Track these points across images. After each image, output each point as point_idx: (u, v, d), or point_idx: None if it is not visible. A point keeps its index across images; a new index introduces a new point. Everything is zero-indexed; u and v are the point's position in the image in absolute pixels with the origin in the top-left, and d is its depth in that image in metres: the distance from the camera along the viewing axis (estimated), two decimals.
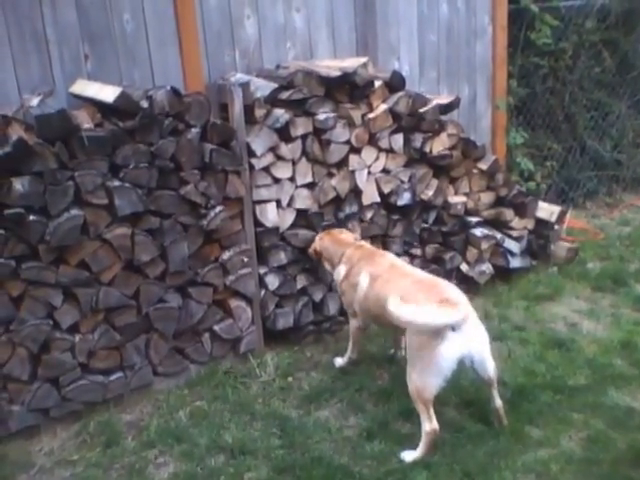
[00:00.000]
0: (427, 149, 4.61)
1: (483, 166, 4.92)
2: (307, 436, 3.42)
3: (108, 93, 3.34)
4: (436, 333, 3.11)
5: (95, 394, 3.52)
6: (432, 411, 3.20)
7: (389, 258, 3.85)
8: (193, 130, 3.63)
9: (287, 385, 3.93)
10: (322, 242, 4.04)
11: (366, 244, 4.03)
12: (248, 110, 3.89)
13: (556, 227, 5.45)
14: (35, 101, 3.36)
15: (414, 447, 3.26)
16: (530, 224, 5.30)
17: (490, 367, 3.31)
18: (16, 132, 3.19)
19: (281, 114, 3.95)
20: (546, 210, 5.33)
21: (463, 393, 3.72)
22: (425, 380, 3.19)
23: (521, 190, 5.20)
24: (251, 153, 3.92)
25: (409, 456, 3.18)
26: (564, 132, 6.77)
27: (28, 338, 3.27)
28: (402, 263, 3.86)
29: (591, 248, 5.87)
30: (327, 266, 4.09)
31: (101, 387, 3.54)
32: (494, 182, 5.01)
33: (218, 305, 3.96)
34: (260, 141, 3.92)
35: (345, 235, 4.09)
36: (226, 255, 3.92)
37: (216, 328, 3.94)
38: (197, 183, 3.67)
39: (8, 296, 3.21)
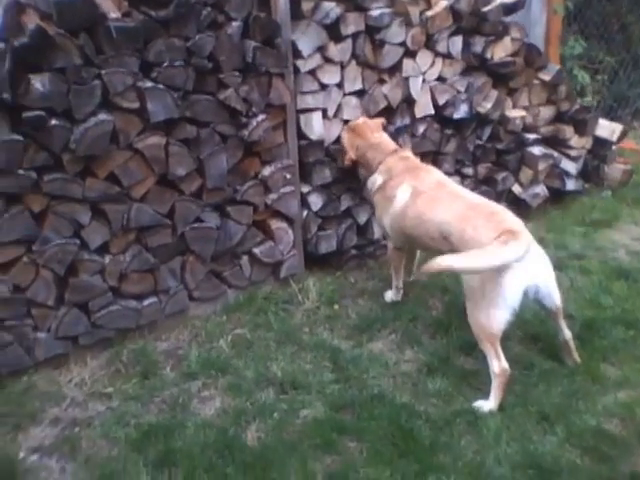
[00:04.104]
0: (488, 55, 4.11)
1: (545, 77, 4.43)
2: (362, 370, 3.12)
3: None
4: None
5: (128, 320, 3.20)
6: (500, 350, 2.89)
7: (436, 174, 3.43)
8: (234, 24, 3.14)
9: (333, 313, 3.61)
10: (357, 149, 3.57)
11: (411, 155, 3.59)
12: (293, 2, 3.37)
13: (614, 147, 5.00)
14: None
15: (480, 385, 2.99)
16: (588, 143, 4.85)
17: (557, 297, 2.99)
18: (32, 20, 2.71)
19: (331, 8, 3.44)
20: (607, 128, 4.87)
21: (527, 327, 3.40)
22: (491, 315, 2.86)
23: (583, 105, 4.71)
24: (296, 53, 3.43)
25: (485, 406, 2.87)
26: (617, 44, 6.18)
27: (53, 259, 2.91)
28: (450, 181, 3.44)
29: None
30: (361, 171, 3.68)
31: (134, 313, 3.21)
32: (556, 95, 4.53)
33: (258, 226, 3.59)
34: (307, 39, 3.43)
35: (381, 136, 3.62)
36: (267, 171, 3.51)
37: (256, 251, 3.59)
38: (238, 87, 3.21)
39: (29, 212, 2.82)
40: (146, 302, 3.25)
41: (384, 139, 3.61)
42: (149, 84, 2.93)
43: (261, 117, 3.33)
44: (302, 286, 3.77)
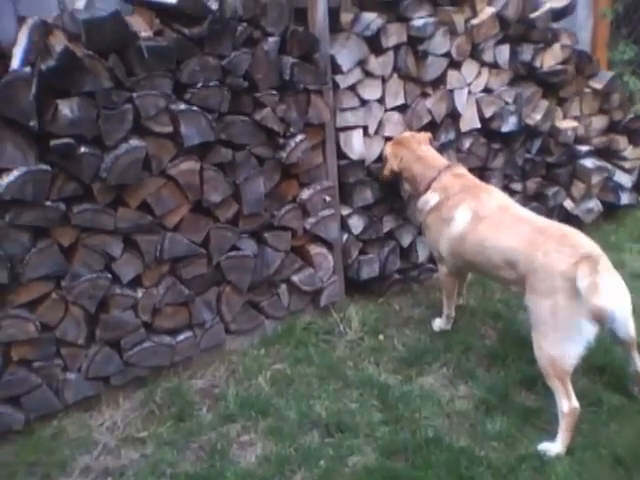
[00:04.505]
0: (537, 63, 3.85)
1: (597, 85, 4.15)
2: (413, 409, 2.88)
3: None
4: (574, 292, 2.53)
5: (162, 357, 3.01)
6: (570, 387, 2.64)
7: (497, 195, 3.18)
8: (270, 39, 2.93)
9: (378, 345, 3.38)
10: (400, 160, 3.34)
11: (466, 172, 3.34)
12: (332, 14, 3.16)
13: None
14: (81, 3, 2.69)
15: (544, 424, 2.75)
16: None
17: (632, 327, 2.73)
18: (59, 42, 2.54)
19: (372, 19, 3.22)
20: None
21: (591, 357, 3.10)
22: (563, 349, 2.62)
23: (638, 114, 4.42)
24: (336, 68, 3.22)
25: (552, 449, 2.61)
26: None
27: (83, 295, 2.73)
28: (512, 202, 3.18)
29: None
30: (406, 187, 3.45)
31: (168, 349, 3.02)
32: (608, 104, 4.24)
33: (296, 252, 3.38)
34: (347, 53, 3.21)
35: (429, 150, 3.39)
36: (306, 194, 3.30)
37: (294, 278, 3.37)
38: (275, 106, 3.01)
39: (58, 246, 2.65)
40: (181, 337, 3.06)
41: (433, 153, 3.38)
42: (182, 106, 2.74)
43: (299, 137, 3.12)
44: (343, 315, 3.55)
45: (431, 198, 3.25)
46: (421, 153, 3.33)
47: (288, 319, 3.43)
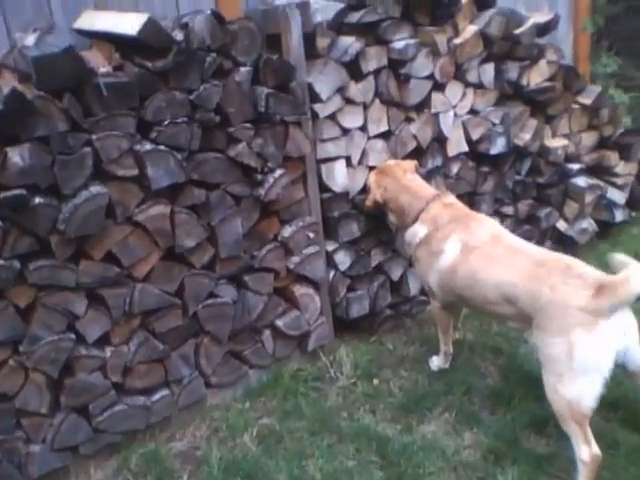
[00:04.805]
0: (524, 81, 3.67)
1: (586, 100, 3.99)
2: (416, 464, 2.63)
3: (129, 23, 2.40)
4: (588, 325, 2.35)
5: (136, 421, 2.74)
6: (590, 432, 2.41)
7: (489, 224, 2.97)
8: (242, 69, 2.71)
9: (373, 390, 3.13)
10: (385, 190, 3.14)
11: (456, 201, 3.13)
12: (307, 40, 2.95)
13: None
14: (30, 39, 2.45)
15: (558, 472, 2.54)
16: (634, 169, 4.39)
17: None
18: (7, 83, 2.29)
19: (350, 43, 3.02)
20: None
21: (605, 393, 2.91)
22: (582, 390, 2.39)
23: (628, 128, 4.26)
24: (314, 97, 3.00)
25: None
26: None
27: (44, 360, 2.45)
28: (506, 232, 2.97)
29: None
30: (392, 219, 3.23)
31: (143, 411, 2.74)
32: (598, 119, 4.08)
33: (280, 294, 3.13)
34: (325, 80, 3.00)
35: (415, 178, 3.18)
36: (287, 231, 3.06)
37: (279, 323, 3.12)
38: (250, 141, 2.78)
39: (14, 307, 2.38)
40: (156, 396, 2.79)
41: (420, 182, 3.17)
42: (148, 146, 2.50)
43: (278, 172, 2.90)
44: (334, 358, 3.31)
45: (419, 230, 3.04)
46: (407, 182, 3.13)
47: (274, 367, 3.18)
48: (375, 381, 3.19)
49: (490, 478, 2.56)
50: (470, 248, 2.82)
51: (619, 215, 4.33)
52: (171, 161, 2.54)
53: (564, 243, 4.19)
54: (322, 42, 2.97)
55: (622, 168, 4.28)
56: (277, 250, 3.04)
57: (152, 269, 2.66)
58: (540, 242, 4.05)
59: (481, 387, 3.09)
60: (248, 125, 2.77)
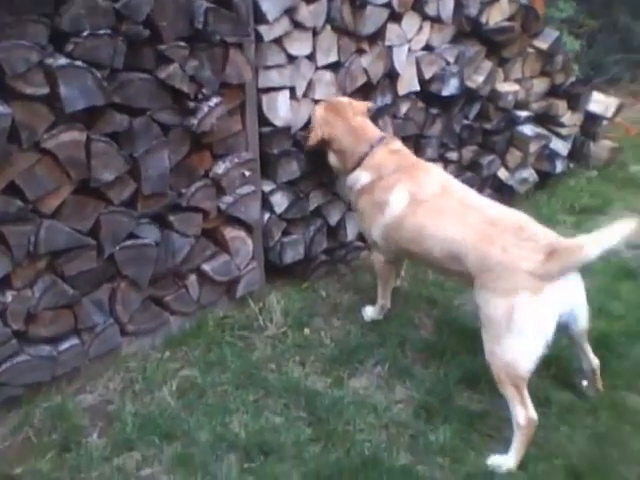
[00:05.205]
0: (483, 19, 3.41)
1: (542, 44, 3.80)
2: (346, 421, 2.50)
3: None
4: (534, 289, 2.28)
5: (40, 372, 2.44)
6: (527, 395, 2.35)
7: (437, 175, 2.80)
8: None
9: (304, 340, 2.96)
10: (331, 128, 2.87)
11: (403, 147, 2.92)
12: None
13: (605, 123, 4.47)
14: None
15: (490, 431, 2.49)
16: (580, 120, 4.29)
17: (586, 318, 2.48)
18: None
19: None
20: (601, 103, 4.34)
21: None
22: (521, 352, 2.33)
23: (583, 77, 4.12)
24: (259, 17, 2.64)
25: (503, 464, 2.32)
26: (598, 5, 5.59)
27: None
28: (456, 183, 2.80)
29: (628, 147, 4.95)
30: (334, 161, 2.97)
31: (48, 361, 2.45)
32: (551, 66, 3.90)
33: (208, 237, 2.85)
34: None
35: (364, 121, 2.93)
36: (220, 168, 2.75)
37: (206, 267, 2.86)
38: (184, 62, 2.41)
39: None
40: (64, 345, 2.49)
41: (368, 125, 2.92)
42: (62, 61, 2.10)
43: (214, 100, 2.55)
44: (263, 305, 3.09)
45: (362, 177, 2.83)
46: (355, 124, 2.87)
47: (198, 315, 2.93)
48: (306, 330, 3.01)
49: (421, 436, 2.47)
50: (418, 201, 2.63)
51: (560, 166, 4.26)
52: (89, 80, 2.16)
53: (504, 192, 4.09)
54: None
55: (568, 118, 4.17)
56: (208, 188, 2.73)
57: (62, 204, 2.31)
58: (480, 190, 3.90)
59: (415, 339, 2.98)
60: (182, 43, 2.39)
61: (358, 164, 2.84)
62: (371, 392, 2.70)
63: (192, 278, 2.85)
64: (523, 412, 2.32)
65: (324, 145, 2.94)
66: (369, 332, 3.02)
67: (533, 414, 2.33)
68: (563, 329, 2.42)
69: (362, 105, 2.93)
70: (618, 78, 6.02)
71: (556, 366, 2.77)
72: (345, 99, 2.94)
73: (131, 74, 2.32)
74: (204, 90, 2.51)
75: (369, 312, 3.09)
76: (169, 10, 2.30)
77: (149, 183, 2.50)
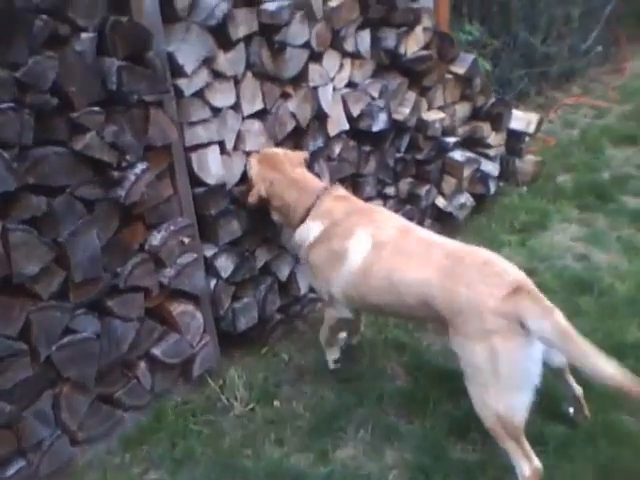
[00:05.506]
0: (402, 50, 3.35)
1: (459, 69, 3.78)
2: None
3: None
4: (513, 331, 2.10)
5: None
6: (527, 445, 2.19)
7: (391, 216, 2.66)
8: (83, 36, 2.07)
9: (276, 415, 2.69)
10: (270, 184, 2.67)
11: (348, 193, 2.77)
12: (163, 0, 2.36)
13: (527, 139, 4.52)
14: None
15: None
16: (504, 139, 4.31)
17: None
18: None
19: (216, 3, 2.47)
20: (522, 119, 4.36)
21: None
22: (511, 402, 2.15)
23: (498, 97, 4.14)
24: (176, 70, 2.43)
25: None
26: (498, 25, 5.77)
27: None
28: (410, 223, 2.66)
29: (550, 158, 5.03)
30: (277, 217, 2.78)
31: None
32: (471, 89, 3.90)
33: (154, 316, 2.56)
34: (189, 49, 2.43)
35: (304, 172, 2.77)
36: (156, 238, 2.49)
37: (156, 352, 2.56)
38: (101, 128, 2.16)
39: None
40: (10, 471, 2.17)
41: (309, 176, 2.75)
42: None
43: (140, 167, 2.30)
44: (224, 382, 2.82)
45: (313, 228, 2.60)
46: (295, 176, 2.69)
47: (154, 405, 2.62)
48: (276, 403, 2.76)
49: None
50: (381, 244, 2.44)
51: (493, 187, 4.23)
52: None
53: (444, 220, 4.01)
54: (181, 1, 2.39)
55: (494, 139, 4.16)
56: (146, 263, 2.45)
57: None
58: (421, 222, 3.83)
59: (392, 392, 2.78)
60: (97, 109, 2.14)
61: (305, 216, 2.64)
62: (360, 462, 2.47)
63: (142, 366, 2.54)
64: (527, 464, 2.16)
65: (265, 202, 2.73)
66: (343, 392, 2.79)
67: (538, 464, 2.17)
68: (544, 363, 2.24)
69: (298, 156, 2.77)
70: (526, 92, 6.19)
71: (546, 400, 2.61)
72: (280, 150, 2.76)
73: (44, 149, 2.04)
74: (127, 157, 2.25)
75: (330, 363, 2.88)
76: (77, 73, 2.05)
77: (80, 269, 2.20)
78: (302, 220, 2.64)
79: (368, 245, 2.45)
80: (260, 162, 2.71)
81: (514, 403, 2.14)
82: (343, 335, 2.88)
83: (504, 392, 2.14)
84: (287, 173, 2.68)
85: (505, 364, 2.12)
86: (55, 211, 2.10)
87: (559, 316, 2.08)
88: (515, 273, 2.23)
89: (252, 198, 2.70)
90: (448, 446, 2.48)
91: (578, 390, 2.48)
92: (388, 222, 2.53)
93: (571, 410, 2.55)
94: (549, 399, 2.60)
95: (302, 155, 2.79)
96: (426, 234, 2.53)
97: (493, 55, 5.54)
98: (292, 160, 2.71)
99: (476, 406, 2.22)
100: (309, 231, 2.61)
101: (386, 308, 2.51)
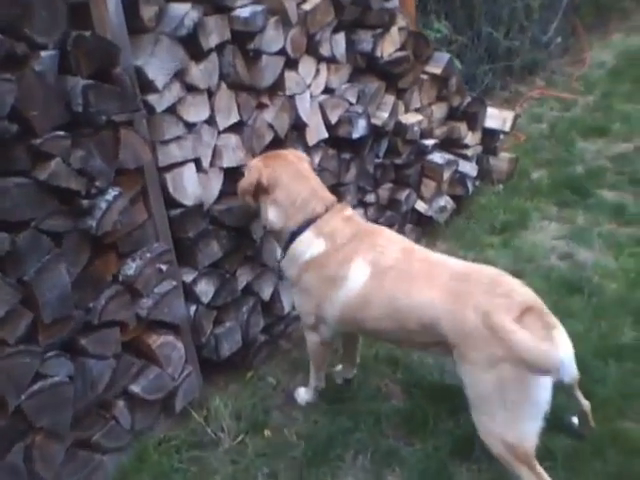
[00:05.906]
0: (378, 52, 3.21)
1: (435, 70, 3.66)
2: None
3: None
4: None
5: None
6: (540, 468, 2.09)
7: (395, 237, 2.49)
8: (43, 54, 1.87)
9: (268, 445, 2.54)
10: (273, 170, 2.45)
11: (354, 212, 2.59)
12: (127, 10, 2.16)
13: (502, 137, 4.44)
14: None
15: None
16: (479, 138, 4.21)
17: (575, 368, 2.20)
18: None
19: (185, 12, 2.28)
20: (497, 117, 4.27)
21: None
22: (521, 429, 2.06)
23: (473, 96, 4.04)
24: (146, 85, 2.24)
25: None
26: (461, 21, 5.66)
27: None
28: (413, 243, 2.51)
29: (522, 154, 4.97)
30: (272, 216, 2.48)
31: None
32: (447, 90, 3.78)
33: (131, 351, 2.38)
34: (159, 62, 2.25)
35: (311, 170, 2.60)
36: (131, 268, 2.30)
37: (135, 389, 2.39)
38: (67, 154, 1.96)
39: None
40: None
41: (318, 180, 2.56)
42: None
43: (112, 193, 2.12)
44: (208, 413, 2.65)
45: (314, 245, 2.40)
46: (305, 173, 2.51)
47: (135, 445, 2.43)
48: (266, 432, 2.61)
49: None
50: (382, 269, 2.29)
51: (471, 187, 4.13)
52: None
53: (424, 224, 3.91)
54: (148, 11, 2.20)
55: (470, 139, 4.07)
56: (120, 295, 2.27)
57: None
58: (401, 227, 3.72)
59: (389, 413, 2.66)
60: (61, 133, 1.94)
61: (306, 225, 2.42)
62: None
63: (120, 405, 2.36)
64: None
65: (260, 194, 2.47)
66: (337, 415, 2.65)
67: None
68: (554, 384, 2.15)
69: (303, 155, 2.63)
70: (491, 88, 6.12)
71: (552, 414, 2.53)
72: (283, 150, 2.61)
73: (4, 181, 1.84)
74: (97, 183, 2.06)
75: (302, 394, 2.75)
76: (38, 96, 1.85)
77: (49, 308, 2.01)
78: (304, 224, 2.42)
79: (366, 273, 2.31)
80: (263, 157, 2.55)
81: (524, 431, 2.06)
82: (339, 368, 2.75)
83: (513, 421, 2.05)
84: (294, 164, 2.49)
85: (515, 393, 2.02)
86: (19, 248, 1.90)
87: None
88: (524, 292, 2.13)
89: (248, 184, 2.44)
90: (453, 468, 2.38)
91: (586, 405, 2.41)
92: (391, 245, 2.37)
93: (575, 420, 2.48)
94: (553, 411, 2.52)
95: (306, 157, 2.65)
96: (431, 255, 2.39)
97: (459, 51, 5.43)
98: (297, 155, 2.57)
99: (484, 435, 2.13)
100: (309, 246, 2.40)
101: (384, 334, 2.38)
